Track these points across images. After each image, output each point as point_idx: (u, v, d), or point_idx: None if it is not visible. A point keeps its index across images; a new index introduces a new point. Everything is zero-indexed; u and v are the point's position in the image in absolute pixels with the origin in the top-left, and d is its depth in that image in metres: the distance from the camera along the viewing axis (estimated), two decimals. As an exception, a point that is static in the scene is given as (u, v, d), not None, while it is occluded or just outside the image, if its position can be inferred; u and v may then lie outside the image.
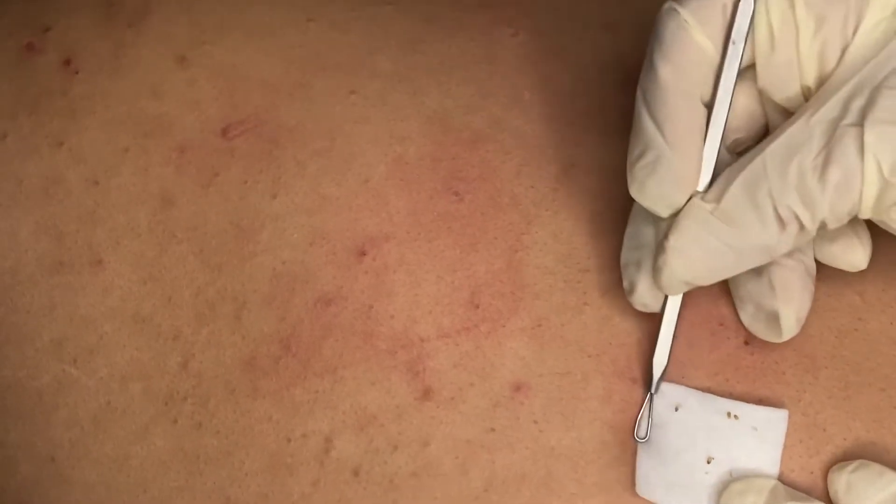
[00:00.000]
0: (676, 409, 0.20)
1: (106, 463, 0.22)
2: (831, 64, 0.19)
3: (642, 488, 0.20)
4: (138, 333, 0.22)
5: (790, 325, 0.20)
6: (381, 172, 0.22)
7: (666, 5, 0.20)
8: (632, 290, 0.20)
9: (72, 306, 0.22)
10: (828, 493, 0.20)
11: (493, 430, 0.21)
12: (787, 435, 0.20)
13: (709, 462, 0.20)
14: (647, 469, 0.20)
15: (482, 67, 0.23)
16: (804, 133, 0.19)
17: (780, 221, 0.19)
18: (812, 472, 0.20)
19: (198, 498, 0.21)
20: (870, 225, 0.20)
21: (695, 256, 0.19)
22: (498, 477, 0.21)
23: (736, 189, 0.19)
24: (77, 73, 0.23)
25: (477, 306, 0.21)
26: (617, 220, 0.22)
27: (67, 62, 0.23)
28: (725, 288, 0.21)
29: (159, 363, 0.22)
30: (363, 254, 0.22)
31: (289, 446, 0.21)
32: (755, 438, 0.20)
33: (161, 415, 0.22)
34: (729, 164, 0.20)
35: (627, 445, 0.21)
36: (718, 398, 0.20)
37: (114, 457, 0.22)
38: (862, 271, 0.21)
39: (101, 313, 0.22)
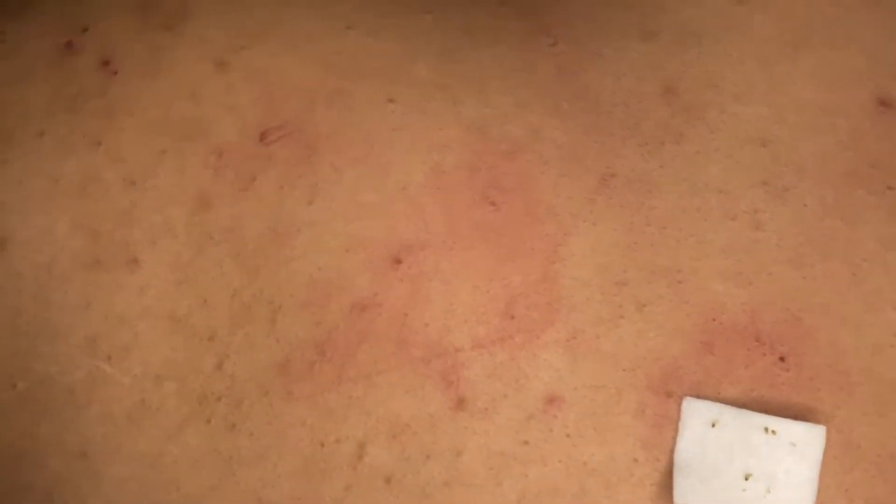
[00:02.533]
0: (713, 426, 0.19)
1: (139, 460, 0.21)
2: None
3: (678, 504, 0.19)
4: (173, 333, 0.21)
5: None
6: (419, 181, 0.21)
7: None
8: None
9: (107, 304, 0.21)
10: None
11: (526, 442, 0.20)
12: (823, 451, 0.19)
13: (746, 479, 0.19)
14: (684, 486, 0.19)
15: (520, 77, 0.22)
16: None
17: None
18: (847, 490, 0.19)
19: (230, 498, 0.21)
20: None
21: None
22: (531, 490, 0.20)
23: None
24: (115, 73, 0.22)
25: (512, 317, 0.20)
26: (654, 233, 0.21)
27: (106, 63, 0.22)
28: (762, 303, 0.20)
29: (194, 363, 0.21)
30: (399, 261, 0.21)
31: (322, 451, 0.20)
32: (793, 454, 0.19)
33: (195, 414, 0.21)
34: None
35: (661, 462, 0.20)
36: (755, 414, 0.19)
37: (147, 454, 0.21)
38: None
39: (137, 312, 0.21)
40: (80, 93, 0.22)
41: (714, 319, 0.20)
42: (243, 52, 0.22)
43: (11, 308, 0.22)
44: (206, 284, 0.21)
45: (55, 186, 0.22)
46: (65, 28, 0.23)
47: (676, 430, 0.20)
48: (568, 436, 0.20)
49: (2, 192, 0.22)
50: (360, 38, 0.22)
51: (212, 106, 0.22)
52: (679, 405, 0.20)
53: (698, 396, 0.20)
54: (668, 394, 0.20)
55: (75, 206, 0.22)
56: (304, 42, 0.22)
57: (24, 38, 0.23)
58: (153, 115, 0.22)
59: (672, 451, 0.19)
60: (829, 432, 0.19)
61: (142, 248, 0.21)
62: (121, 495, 0.21)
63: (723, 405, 0.20)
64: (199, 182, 0.21)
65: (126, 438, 0.21)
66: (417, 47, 0.22)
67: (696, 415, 0.20)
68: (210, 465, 0.21)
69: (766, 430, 0.19)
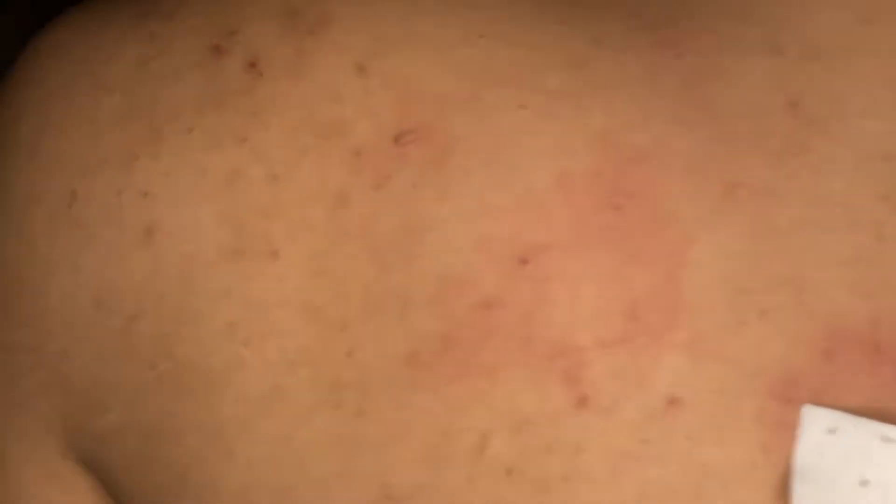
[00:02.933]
0: (832, 433, 0.20)
1: (270, 442, 0.22)
2: None
3: (794, 510, 0.20)
4: (308, 322, 0.22)
5: None
6: (546, 184, 0.22)
7: None
8: None
9: (247, 292, 0.22)
10: None
11: (646, 441, 0.20)
12: (941, 466, 0.19)
13: (863, 486, 0.19)
14: (802, 492, 0.19)
15: (646, 87, 0.22)
16: None
17: None
18: (965, 504, 0.19)
19: (356, 482, 0.21)
20: None
21: None
22: (650, 489, 0.20)
23: None
24: (261, 75, 0.23)
25: (635, 319, 0.21)
26: (778, 242, 0.21)
27: (252, 65, 0.23)
28: (884, 314, 0.20)
29: (326, 351, 0.22)
30: (525, 262, 0.21)
31: (446, 440, 0.21)
32: (911, 466, 0.19)
33: (325, 400, 0.22)
34: None
35: (779, 467, 0.20)
36: (874, 422, 0.19)
37: (278, 436, 0.22)
38: None
39: (275, 301, 0.22)
40: (227, 92, 0.23)
41: (835, 328, 0.20)
42: (382, 58, 0.23)
43: (156, 294, 0.23)
44: (340, 277, 0.22)
45: (202, 180, 0.23)
46: (213, 31, 0.24)
47: (795, 436, 0.20)
48: (688, 437, 0.20)
49: (151, 184, 0.23)
50: (493, 45, 0.23)
51: (352, 108, 0.23)
52: (799, 411, 0.20)
53: (818, 403, 0.20)
54: (788, 400, 0.20)
55: (220, 199, 0.23)
56: (440, 49, 0.23)
57: (174, 38, 0.24)
58: (296, 115, 0.23)
59: (790, 457, 0.20)
60: (948, 445, 0.20)
61: (282, 241, 0.22)
62: (253, 475, 0.22)
63: (842, 413, 0.20)
64: (337, 180, 0.22)
65: (260, 421, 0.22)
66: (548, 56, 0.23)
67: (816, 421, 0.20)
68: (337, 449, 0.22)
69: (885, 438, 0.19)
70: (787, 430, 0.20)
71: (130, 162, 0.23)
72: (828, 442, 0.20)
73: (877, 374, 0.20)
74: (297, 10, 0.23)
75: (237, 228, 0.22)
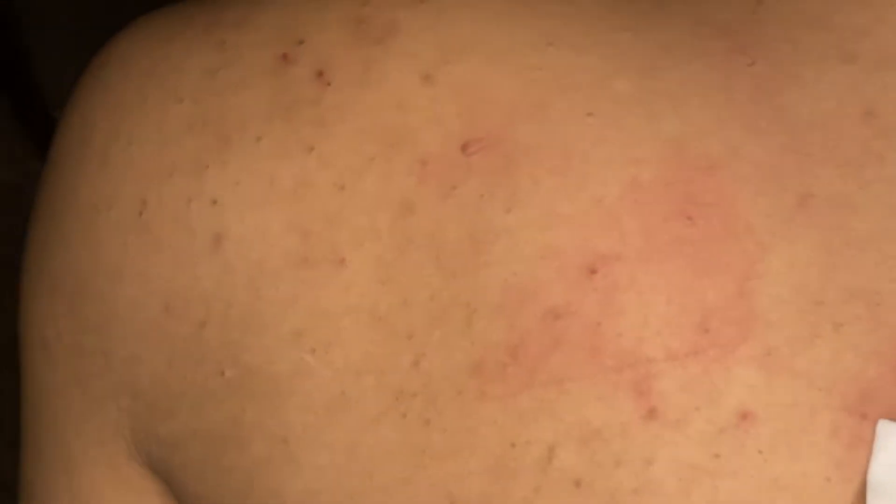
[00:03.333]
0: (909, 450, 0.19)
1: (336, 448, 0.22)
2: None
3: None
4: (374, 330, 0.22)
5: None
6: (615, 193, 0.21)
7: None
8: None
9: (313, 300, 0.22)
10: None
11: (717, 455, 0.20)
12: None
13: (943, 506, 0.19)
14: (880, 509, 0.19)
15: (718, 95, 0.22)
16: None
17: None
18: None
19: (421, 491, 0.21)
20: None
21: None
22: (720, 503, 0.20)
23: None
24: (329, 84, 0.23)
25: (707, 331, 0.20)
26: (853, 254, 0.20)
27: (320, 74, 0.23)
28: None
29: (392, 360, 0.22)
30: (594, 271, 0.21)
31: (512, 451, 0.21)
32: None
33: (391, 408, 0.22)
34: None
35: (854, 483, 0.19)
36: (953, 441, 0.19)
37: (344, 443, 0.22)
38: None
39: (341, 309, 0.22)
40: (295, 101, 0.23)
41: (913, 343, 0.20)
42: (448, 66, 0.23)
43: (224, 301, 0.23)
44: (406, 285, 0.22)
45: (270, 188, 0.23)
46: (282, 40, 0.24)
47: (870, 452, 0.19)
48: (760, 451, 0.20)
49: (220, 192, 0.23)
50: (560, 53, 0.23)
51: (418, 117, 0.23)
52: (874, 427, 0.19)
53: (894, 419, 0.19)
54: (863, 415, 0.20)
55: (288, 207, 0.23)
56: (507, 57, 0.23)
57: (243, 48, 0.24)
58: (363, 124, 0.23)
59: (865, 473, 0.19)
60: None
61: (348, 249, 0.22)
62: (318, 482, 0.22)
63: (921, 430, 0.19)
64: (403, 189, 0.22)
65: (325, 428, 0.22)
66: (617, 63, 0.22)
67: (892, 437, 0.19)
68: (403, 457, 0.22)
69: (966, 456, 0.19)
70: (862, 446, 0.19)
71: (199, 170, 0.23)
72: (905, 458, 0.19)
73: None
74: (364, 19, 0.23)
75: (304, 236, 0.23)
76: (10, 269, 0.29)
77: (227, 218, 0.23)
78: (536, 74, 0.23)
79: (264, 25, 0.24)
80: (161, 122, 0.24)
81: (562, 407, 0.20)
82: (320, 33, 0.24)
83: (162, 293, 0.23)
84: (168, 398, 0.24)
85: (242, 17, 0.24)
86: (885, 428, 0.19)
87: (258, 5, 0.24)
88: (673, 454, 0.20)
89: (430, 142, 0.22)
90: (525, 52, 0.23)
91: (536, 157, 0.22)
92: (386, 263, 0.22)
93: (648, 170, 0.21)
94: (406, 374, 0.22)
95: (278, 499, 0.22)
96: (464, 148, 0.22)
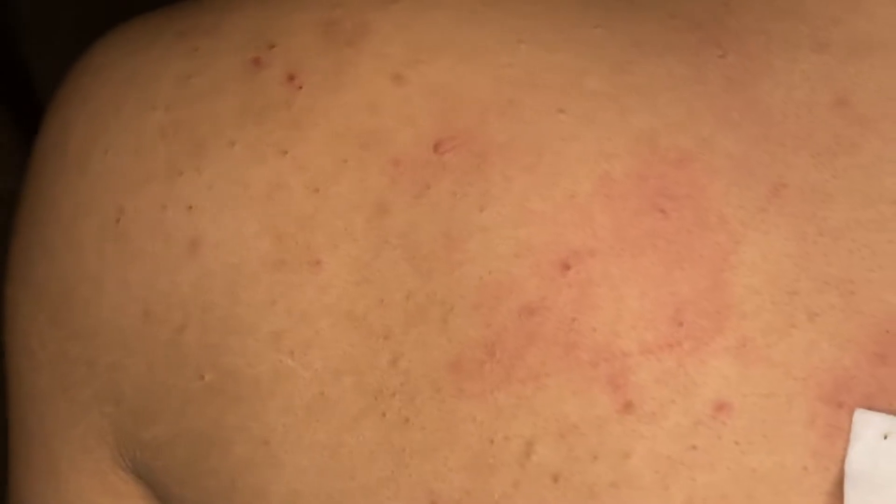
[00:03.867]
0: (885, 438, 0.19)
1: (317, 449, 0.22)
2: None
3: (847, 515, 0.19)
4: (352, 331, 0.22)
5: None
6: (588, 189, 0.21)
7: None
8: None
9: (291, 302, 0.22)
10: None
11: (694, 447, 0.20)
12: None
13: (919, 494, 0.19)
14: (855, 497, 0.19)
15: (690, 88, 0.22)
16: None
17: None
18: None
19: (402, 488, 0.21)
20: None
21: None
22: (698, 495, 0.20)
23: None
24: (301, 87, 0.23)
25: (681, 324, 0.20)
26: (827, 244, 0.20)
27: (292, 77, 0.23)
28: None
29: (370, 359, 0.22)
30: (567, 267, 0.21)
31: (491, 447, 0.21)
32: (969, 472, 0.19)
33: (370, 408, 0.22)
34: None
35: (832, 472, 0.19)
36: (930, 429, 0.19)
37: (325, 444, 0.22)
38: None
39: (318, 310, 0.22)
40: (267, 105, 0.23)
41: (887, 331, 0.20)
42: (420, 66, 0.23)
43: (202, 305, 0.23)
44: (382, 285, 0.22)
45: (244, 192, 0.23)
46: (253, 45, 0.24)
47: (848, 441, 0.19)
48: (737, 443, 0.20)
49: (195, 198, 0.23)
50: (531, 51, 0.23)
51: (390, 117, 0.22)
52: (850, 416, 0.19)
53: (870, 408, 0.19)
54: (839, 404, 0.19)
55: (263, 211, 0.23)
56: (478, 56, 0.23)
57: (216, 53, 0.24)
58: (336, 127, 0.23)
59: (843, 462, 0.19)
60: None
61: (324, 251, 0.22)
62: (301, 482, 0.22)
63: (896, 417, 0.19)
64: (377, 189, 0.22)
65: (306, 429, 0.22)
66: (588, 60, 0.22)
67: (869, 426, 0.19)
68: (384, 456, 0.21)
69: (943, 444, 0.19)
70: (839, 435, 0.19)
71: (174, 177, 0.23)
72: (881, 447, 0.19)
73: None
74: (335, 22, 0.23)
75: (280, 239, 0.22)
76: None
77: (203, 223, 0.23)
78: (508, 72, 0.22)
79: (236, 31, 0.24)
80: (137, 129, 0.24)
81: (539, 402, 0.20)
82: (291, 37, 0.23)
83: (141, 299, 0.23)
84: (150, 403, 0.24)
85: (215, 23, 0.24)
86: (861, 417, 0.19)
87: (231, 11, 0.24)
88: (650, 447, 0.20)
89: (402, 142, 0.22)
90: (496, 51, 0.23)
91: (509, 155, 0.22)
92: (362, 264, 0.22)
93: (620, 164, 0.21)
94: (384, 374, 0.22)
95: (261, 500, 0.22)
96: (436, 147, 0.22)
